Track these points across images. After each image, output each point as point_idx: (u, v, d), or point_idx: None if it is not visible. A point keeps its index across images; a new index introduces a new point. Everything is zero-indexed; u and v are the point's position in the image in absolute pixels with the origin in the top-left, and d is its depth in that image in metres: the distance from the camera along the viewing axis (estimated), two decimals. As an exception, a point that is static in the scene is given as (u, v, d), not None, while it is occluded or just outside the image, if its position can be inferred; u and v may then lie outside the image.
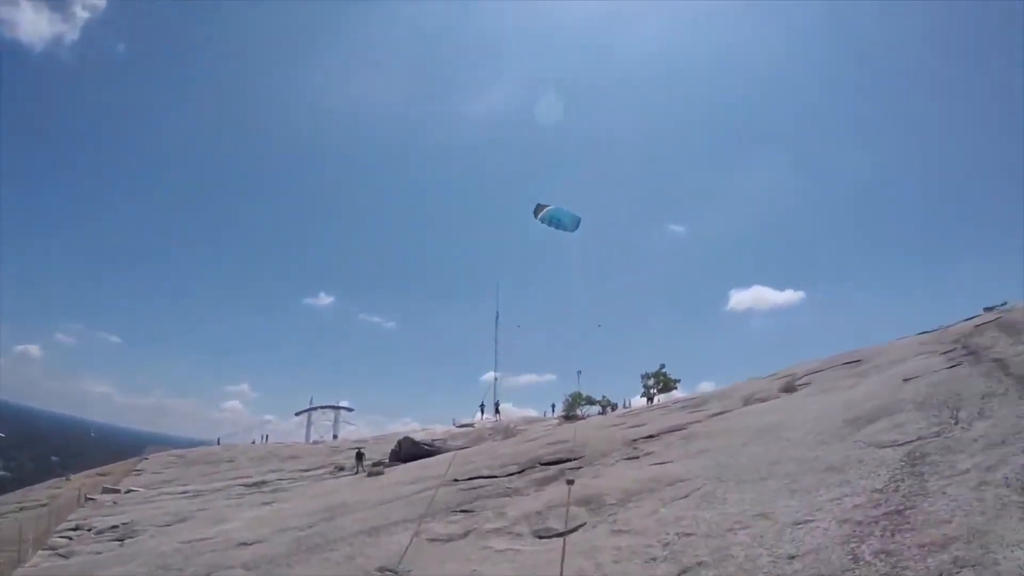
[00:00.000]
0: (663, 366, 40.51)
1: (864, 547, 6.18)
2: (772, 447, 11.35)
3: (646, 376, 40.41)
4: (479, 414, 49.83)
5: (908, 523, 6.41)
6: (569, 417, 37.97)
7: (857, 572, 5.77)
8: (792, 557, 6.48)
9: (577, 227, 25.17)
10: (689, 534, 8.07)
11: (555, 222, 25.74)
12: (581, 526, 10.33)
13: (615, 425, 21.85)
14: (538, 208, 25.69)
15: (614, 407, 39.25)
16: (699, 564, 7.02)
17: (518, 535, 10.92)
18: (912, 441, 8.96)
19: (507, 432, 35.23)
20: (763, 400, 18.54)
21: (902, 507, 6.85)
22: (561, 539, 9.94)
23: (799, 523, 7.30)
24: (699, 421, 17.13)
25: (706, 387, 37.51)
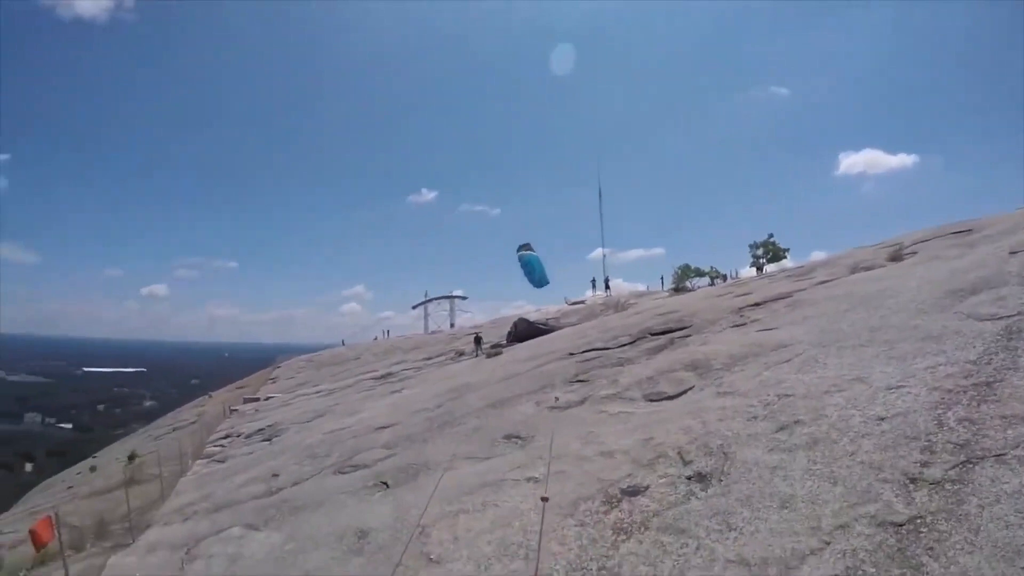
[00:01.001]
0: (771, 235, 39.03)
1: (950, 414, 6.69)
2: (873, 315, 11.65)
3: (754, 246, 38.96)
4: (590, 291, 50.46)
5: (995, 395, 6.83)
6: (678, 289, 37.81)
7: (940, 436, 6.33)
8: (881, 419, 7.06)
9: (540, 286, 25.44)
10: (788, 395, 8.74)
11: (527, 267, 25.91)
12: (689, 389, 11.13)
13: (722, 295, 22.18)
14: (523, 247, 25.83)
15: (724, 278, 38.46)
16: (796, 422, 7.72)
17: (630, 399, 11.84)
18: (1012, 316, 9.10)
19: (618, 306, 35.33)
20: (869, 269, 18.39)
21: (991, 379, 7.22)
22: (670, 401, 10.89)
23: (892, 388, 7.80)
24: (804, 289, 17.30)
25: (817, 256, 36.52)
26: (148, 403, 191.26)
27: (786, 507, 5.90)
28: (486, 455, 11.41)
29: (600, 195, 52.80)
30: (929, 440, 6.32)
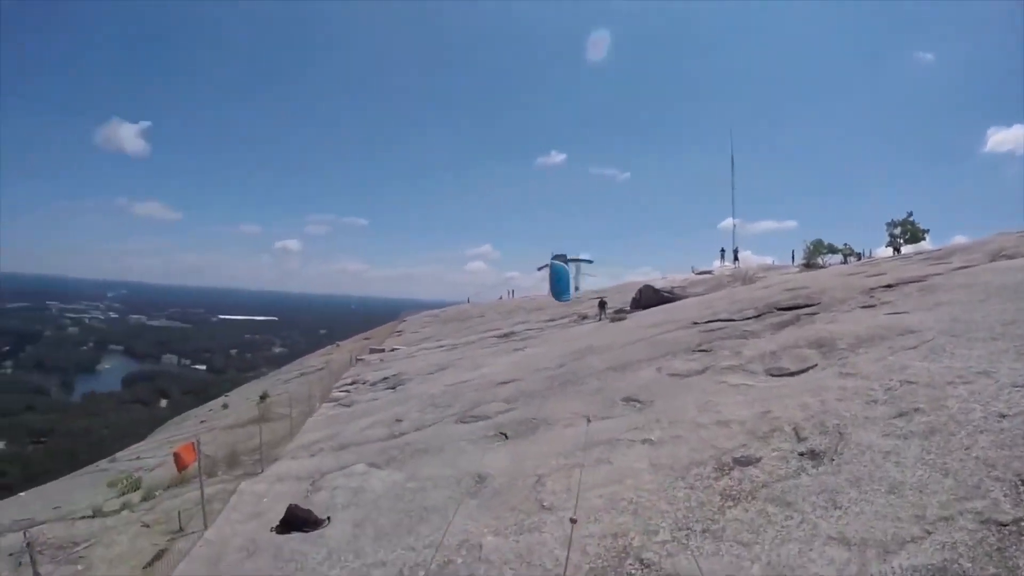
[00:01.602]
0: (911, 214, 37.25)
1: None
2: (1009, 307, 11.20)
3: (892, 224, 37.36)
4: (718, 260, 49.56)
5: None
6: (809, 265, 36.62)
7: None
8: (1003, 416, 6.97)
9: (558, 299, 24.89)
10: (911, 382, 8.69)
11: (555, 276, 25.39)
12: (812, 367, 11.15)
13: (854, 274, 21.54)
14: (557, 257, 25.38)
15: (858, 256, 36.90)
16: (915, 410, 7.75)
17: (751, 372, 11.96)
18: None
19: (746, 279, 34.52)
20: (1011, 258, 17.45)
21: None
22: (791, 377, 10.97)
23: (1018, 386, 7.62)
24: (940, 274, 16.65)
25: (958, 240, 34.39)
26: (277, 349, 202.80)
27: (894, 492, 6.06)
28: (604, 415, 11.87)
29: (733, 164, 51.48)
30: (1050, 443, 6.29)
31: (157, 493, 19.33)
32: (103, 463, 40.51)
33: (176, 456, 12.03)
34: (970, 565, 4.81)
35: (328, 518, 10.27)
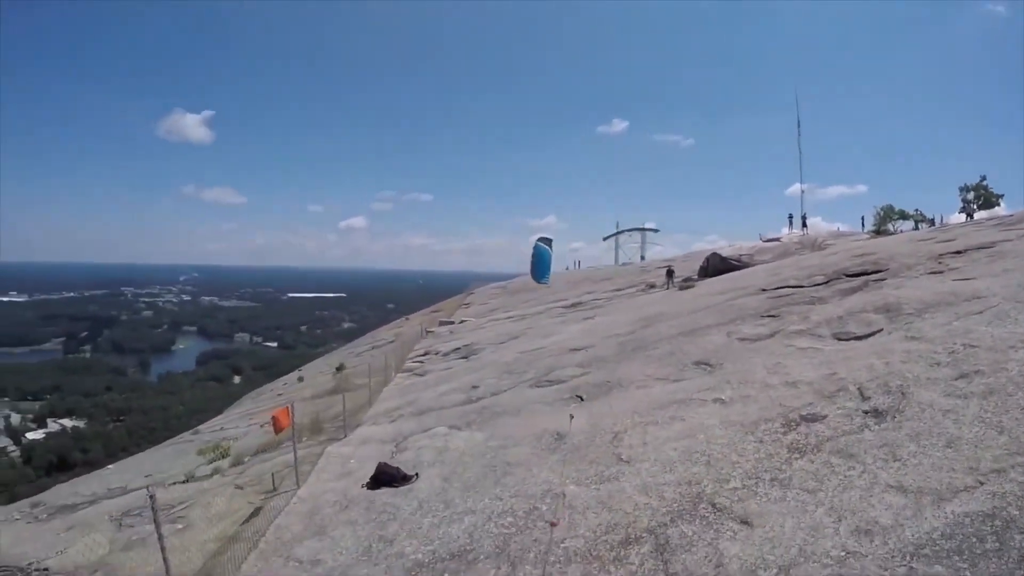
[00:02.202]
0: (984, 178, 36.16)
1: None
2: None
3: (965, 189, 36.33)
4: (786, 228, 49.02)
5: None
6: (879, 232, 35.92)
7: None
8: None
9: (538, 281, 24.76)
10: (974, 346, 9.05)
11: (537, 259, 25.15)
12: (878, 332, 11.50)
13: (924, 240, 21.43)
14: (542, 240, 25.20)
15: (930, 222, 35.97)
16: (976, 372, 8.15)
17: (819, 336, 12.36)
18: None
19: (814, 246, 34.43)
20: None
21: None
22: (858, 341, 11.36)
23: None
24: (1010, 240, 16.61)
25: None
26: (347, 325, 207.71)
27: (950, 447, 6.56)
28: (676, 377, 12.45)
29: (799, 127, 50.52)
30: (1103, 404, 6.67)
31: (246, 459, 20.54)
32: (186, 435, 42.60)
33: (274, 419, 12.97)
34: (1017, 513, 5.28)
35: (416, 474, 11.10)
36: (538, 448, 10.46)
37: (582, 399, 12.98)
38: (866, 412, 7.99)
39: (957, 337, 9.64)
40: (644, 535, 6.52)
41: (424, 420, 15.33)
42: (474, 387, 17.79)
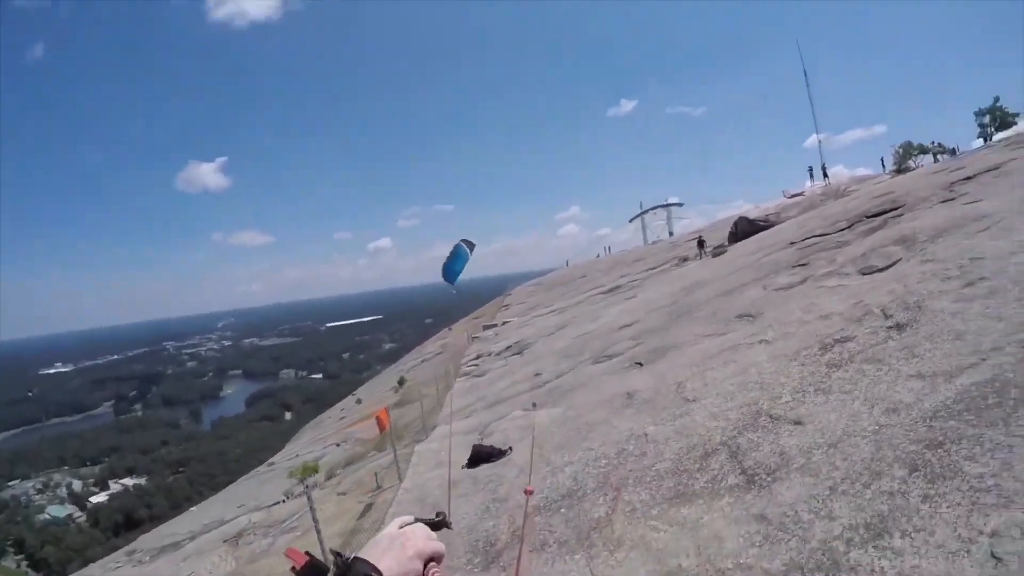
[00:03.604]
0: (997, 99, 35.69)
1: None
2: None
3: (980, 113, 35.94)
4: (808, 181, 49.71)
5: None
6: (900, 170, 36.12)
7: None
8: None
9: (446, 278, 25.78)
10: (979, 258, 10.33)
11: (454, 258, 26.21)
12: (897, 261, 12.78)
13: (938, 172, 22.49)
14: (465, 241, 26.21)
15: (952, 152, 35.74)
16: (980, 279, 9.45)
17: (846, 274, 13.67)
18: None
19: (838, 195, 35.03)
20: None
21: None
22: (880, 273, 12.66)
23: None
24: (1016, 159, 17.67)
25: None
26: (388, 346, 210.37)
27: (959, 339, 7.90)
28: (722, 331, 13.83)
29: (807, 77, 51.02)
30: (1088, 282, 7.97)
31: (338, 472, 22.19)
32: (261, 469, 44.65)
33: (378, 419, 14.56)
34: (1012, 375, 6.59)
35: (510, 448, 12.56)
36: (612, 408, 11.89)
37: (641, 365, 14.39)
38: (889, 327, 9.33)
39: (964, 253, 10.92)
40: (719, 447, 7.96)
41: (499, 409, 16.69)
42: (537, 374, 19.17)
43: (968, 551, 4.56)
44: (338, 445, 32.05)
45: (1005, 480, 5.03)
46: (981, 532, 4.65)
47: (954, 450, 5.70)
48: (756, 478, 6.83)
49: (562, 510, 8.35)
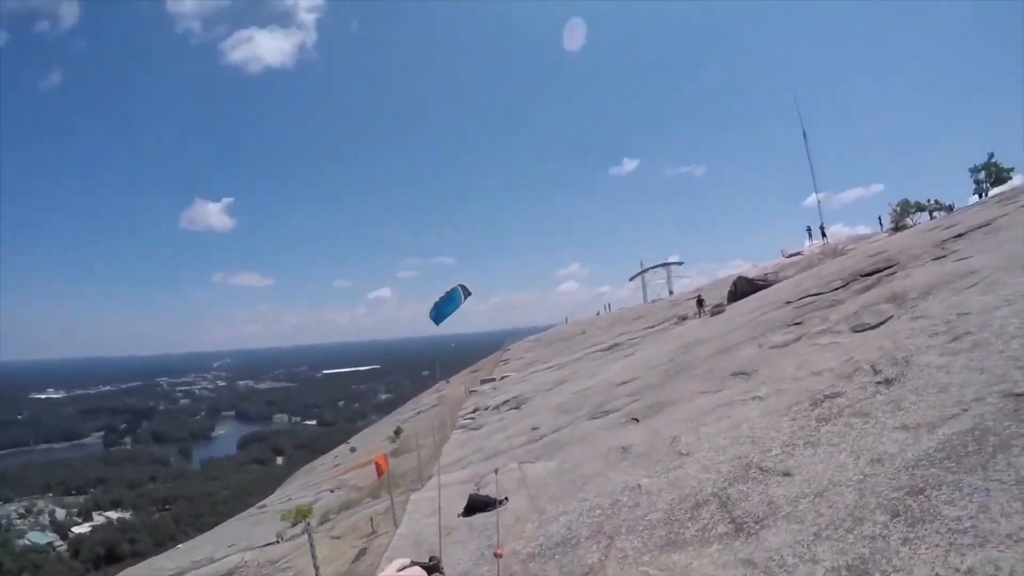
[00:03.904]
0: (992, 155, 36.00)
1: None
2: None
3: (975, 169, 36.23)
4: (807, 240, 50.17)
5: None
6: (898, 228, 36.34)
7: None
8: None
9: (433, 318, 26.13)
10: (966, 313, 10.57)
11: (447, 300, 26.70)
12: (889, 319, 13.01)
13: (932, 229, 22.82)
14: (462, 287, 26.88)
15: (949, 208, 35.73)
16: (966, 333, 9.69)
17: (838, 332, 13.88)
18: None
19: (835, 254, 35.21)
20: None
21: None
22: (872, 330, 12.89)
23: None
24: (1006, 215, 18.04)
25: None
26: (383, 396, 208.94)
27: (942, 391, 8.11)
28: (718, 388, 14.02)
29: (805, 136, 51.73)
30: (1067, 336, 8.21)
31: (331, 516, 22.13)
32: (252, 511, 44.33)
33: (377, 464, 14.69)
34: (991, 424, 6.80)
35: (506, 498, 12.69)
36: (608, 462, 12.04)
37: (637, 420, 14.55)
38: (878, 383, 9.53)
39: (952, 309, 11.15)
40: (710, 498, 8.12)
41: (495, 461, 16.81)
42: (534, 428, 19.34)
43: (944, 589, 4.75)
44: (332, 491, 31.94)
45: (982, 521, 5.23)
46: (958, 570, 4.84)
47: (934, 495, 5.90)
48: (744, 526, 6.99)
49: (556, 556, 8.48)
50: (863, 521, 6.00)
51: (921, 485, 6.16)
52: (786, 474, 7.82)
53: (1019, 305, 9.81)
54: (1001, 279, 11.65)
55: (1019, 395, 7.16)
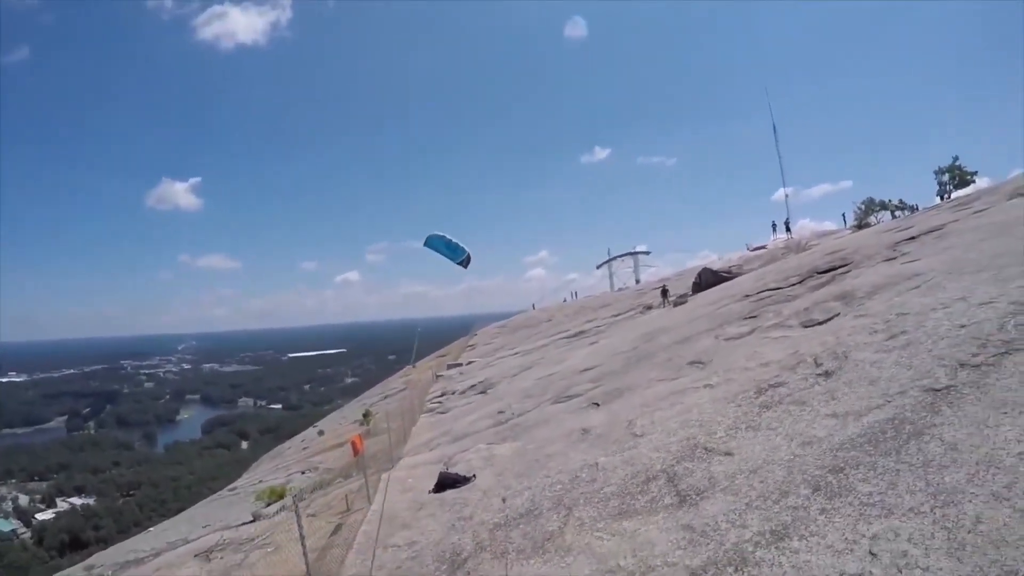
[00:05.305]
0: (956, 159, 36.64)
1: (1012, 321, 9.09)
2: (1002, 243, 13.67)
3: (939, 172, 36.73)
4: (772, 234, 51.18)
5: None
6: (860, 226, 37.12)
7: (996, 336, 8.86)
8: (962, 326, 9.67)
9: (427, 243, 25.97)
10: (905, 313, 11.43)
11: (453, 248, 27.03)
12: (836, 316, 13.88)
13: (888, 231, 23.89)
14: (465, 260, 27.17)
15: (913, 209, 36.15)
16: (902, 332, 10.55)
17: (789, 326, 14.75)
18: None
19: (799, 249, 36.15)
20: None
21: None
22: (820, 326, 13.77)
23: (984, 304, 10.22)
24: (957, 220, 19.00)
25: (984, 183, 34.10)
26: (350, 380, 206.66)
27: (872, 385, 8.98)
28: (674, 376, 14.84)
29: (775, 131, 52.39)
30: (987, 339, 9.00)
31: (305, 496, 22.66)
32: (224, 492, 44.56)
33: (353, 444, 15.25)
34: (910, 414, 7.65)
35: (474, 475, 13.39)
36: (569, 442, 12.80)
37: (598, 405, 15.35)
38: (818, 375, 10.39)
39: (893, 309, 12.01)
40: (659, 474, 8.95)
41: (463, 443, 17.43)
42: (500, 412, 20.00)
43: (851, 550, 5.61)
44: (303, 473, 32.39)
45: (889, 496, 6.10)
46: (864, 535, 5.70)
47: (852, 474, 6.77)
48: (687, 498, 7.83)
49: (520, 525, 9.23)
50: (788, 494, 6.87)
51: (842, 465, 7.03)
52: (727, 454, 8.66)
53: (953, 308, 10.68)
54: (942, 283, 12.50)
55: (938, 390, 8.03)
